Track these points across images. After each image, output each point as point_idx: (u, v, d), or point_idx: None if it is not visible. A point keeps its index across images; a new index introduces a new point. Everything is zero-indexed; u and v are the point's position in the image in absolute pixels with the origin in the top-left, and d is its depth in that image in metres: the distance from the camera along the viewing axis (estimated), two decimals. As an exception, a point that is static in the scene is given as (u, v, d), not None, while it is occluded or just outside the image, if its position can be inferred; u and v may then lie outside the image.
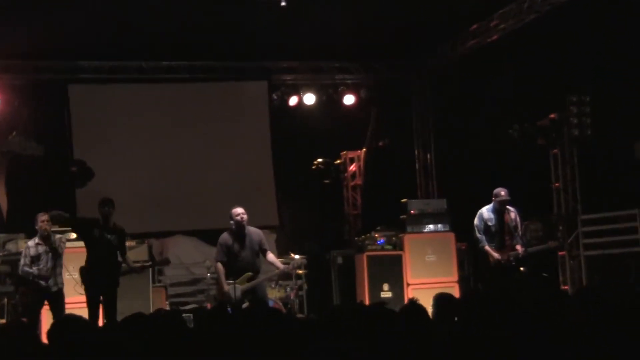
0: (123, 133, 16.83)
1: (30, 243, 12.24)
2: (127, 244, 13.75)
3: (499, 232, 12.55)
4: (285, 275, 14.14)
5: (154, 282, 14.41)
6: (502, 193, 12.50)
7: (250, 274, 11.89)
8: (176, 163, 17.01)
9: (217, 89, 17.68)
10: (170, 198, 16.78)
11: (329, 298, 15.58)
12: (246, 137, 17.56)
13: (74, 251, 12.86)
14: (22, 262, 12.18)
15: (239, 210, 11.99)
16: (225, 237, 12.05)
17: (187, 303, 15.97)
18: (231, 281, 11.75)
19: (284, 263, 12.81)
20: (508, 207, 12.54)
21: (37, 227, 12.20)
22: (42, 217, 12.16)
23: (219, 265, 11.98)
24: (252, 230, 12.13)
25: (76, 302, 12.14)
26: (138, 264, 12.45)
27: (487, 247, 12.52)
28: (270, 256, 12.23)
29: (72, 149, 16.46)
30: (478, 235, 12.63)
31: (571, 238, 14.82)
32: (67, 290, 12.43)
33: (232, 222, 11.99)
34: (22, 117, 15.93)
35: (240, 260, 11.91)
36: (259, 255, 12.07)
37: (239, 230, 11.96)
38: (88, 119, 16.72)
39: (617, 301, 5.44)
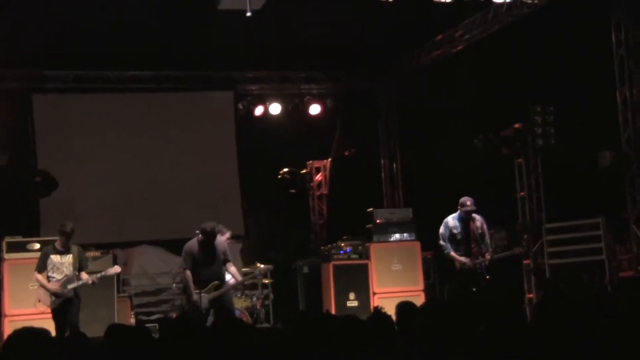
0: (87, 143, 16.72)
1: None
2: (92, 254, 13.75)
3: (465, 240, 12.60)
4: (252, 285, 14.14)
5: (118, 292, 14.34)
6: (468, 203, 12.56)
7: (217, 282, 11.88)
8: (141, 173, 16.92)
9: (183, 98, 17.62)
10: (135, 208, 16.70)
11: (295, 307, 15.57)
12: (212, 147, 17.51)
13: (21, 262, 12.82)
14: None
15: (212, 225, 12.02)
16: (191, 245, 12.02)
17: (152, 313, 15.91)
18: (198, 290, 11.74)
19: (249, 272, 12.82)
20: (474, 215, 12.61)
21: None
22: None
23: (188, 272, 11.94)
24: (218, 240, 12.13)
25: (36, 314, 12.11)
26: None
27: (452, 253, 12.57)
28: (232, 268, 12.21)
29: (36, 159, 16.33)
30: (442, 242, 12.68)
31: (536, 246, 14.92)
32: (28, 302, 12.41)
33: (198, 232, 11.98)
34: (-16, 127, 15.78)
35: (206, 269, 11.89)
36: (224, 265, 12.05)
37: (207, 241, 11.94)
38: (52, 128, 16.59)
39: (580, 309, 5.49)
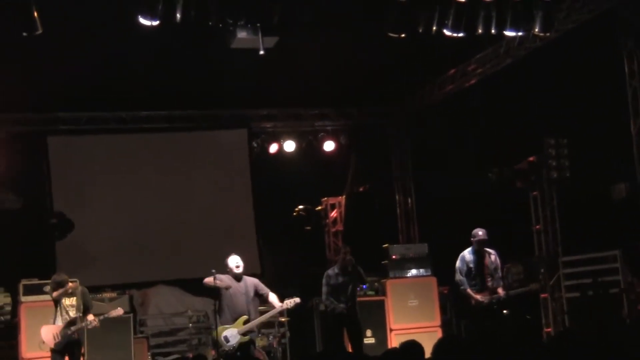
0: (103, 184, 16.77)
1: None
2: (108, 295, 13.74)
3: (480, 274, 12.52)
4: (268, 323, 14.11)
5: (135, 333, 14.31)
6: (480, 233, 12.52)
7: (246, 317, 11.92)
8: (157, 213, 16.94)
9: (197, 137, 17.67)
10: (151, 248, 16.71)
11: (312, 345, 15.48)
12: (227, 186, 17.54)
13: (38, 305, 12.78)
14: None
15: (235, 260, 12.11)
16: (224, 276, 12.09)
17: (170, 353, 15.84)
18: (228, 325, 11.80)
19: (265, 311, 12.86)
20: (488, 249, 12.54)
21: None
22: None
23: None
24: (248, 278, 12.23)
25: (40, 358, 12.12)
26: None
27: (468, 290, 12.49)
28: (272, 297, 12.26)
29: (51, 201, 16.37)
30: (460, 277, 12.59)
31: (553, 280, 14.84)
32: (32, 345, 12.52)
33: (214, 271, 12.05)
34: (-1, 170, 15.84)
35: (235, 303, 11.94)
36: (254, 302, 12.10)
37: (235, 277, 12.02)
38: (67, 170, 16.65)
39: (596, 345, 5.45)
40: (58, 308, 11.91)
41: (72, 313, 11.89)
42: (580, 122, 14.26)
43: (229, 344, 11.80)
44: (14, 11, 10.65)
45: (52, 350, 11.85)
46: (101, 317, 12.08)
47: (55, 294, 11.87)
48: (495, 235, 12.77)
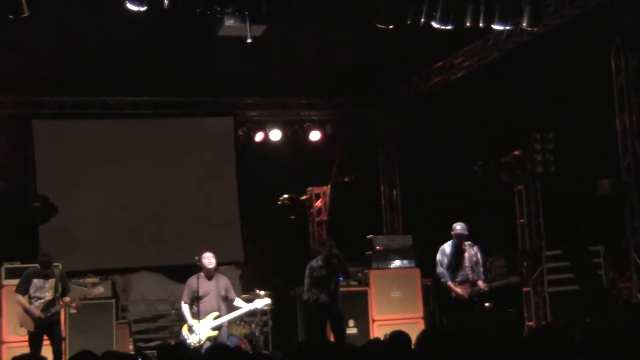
0: (87, 168, 16.72)
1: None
2: (90, 280, 13.75)
3: (460, 267, 12.59)
4: (251, 312, 14.14)
5: (117, 318, 14.28)
6: (458, 227, 12.60)
7: (216, 313, 11.98)
8: (141, 199, 16.90)
9: (183, 124, 17.63)
10: (135, 234, 16.67)
11: (295, 334, 15.49)
12: (212, 173, 17.50)
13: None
14: None
15: (207, 255, 12.26)
16: (192, 279, 12.17)
17: (151, 339, 15.84)
18: (197, 320, 11.91)
19: (248, 300, 12.88)
20: (470, 242, 12.58)
21: None
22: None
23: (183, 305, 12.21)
24: (221, 276, 12.40)
25: (21, 341, 12.07)
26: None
27: (449, 283, 12.54)
28: (237, 301, 12.47)
29: (35, 185, 16.31)
30: (441, 270, 12.64)
31: (536, 274, 14.88)
32: (8, 329, 12.61)
33: (197, 258, 12.14)
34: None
35: (206, 301, 11.99)
36: (224, 300, 12.23)
37: (206, 274, 12.07)
38: (52, 154, 16.59)
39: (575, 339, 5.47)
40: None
41: (48, 295, 11.83)
42: (566, 117, 14.31)
43: (194, 335, 11.84)
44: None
45: (30, 334, 11.80)
46: (82, 297, 12.05)
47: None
48: (479, 228, 12.79)
